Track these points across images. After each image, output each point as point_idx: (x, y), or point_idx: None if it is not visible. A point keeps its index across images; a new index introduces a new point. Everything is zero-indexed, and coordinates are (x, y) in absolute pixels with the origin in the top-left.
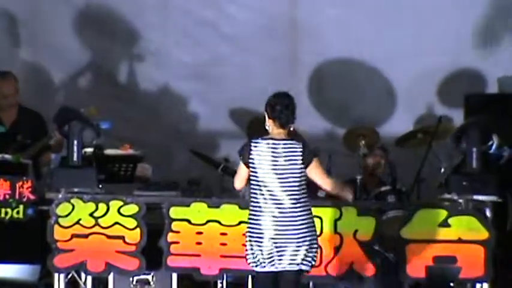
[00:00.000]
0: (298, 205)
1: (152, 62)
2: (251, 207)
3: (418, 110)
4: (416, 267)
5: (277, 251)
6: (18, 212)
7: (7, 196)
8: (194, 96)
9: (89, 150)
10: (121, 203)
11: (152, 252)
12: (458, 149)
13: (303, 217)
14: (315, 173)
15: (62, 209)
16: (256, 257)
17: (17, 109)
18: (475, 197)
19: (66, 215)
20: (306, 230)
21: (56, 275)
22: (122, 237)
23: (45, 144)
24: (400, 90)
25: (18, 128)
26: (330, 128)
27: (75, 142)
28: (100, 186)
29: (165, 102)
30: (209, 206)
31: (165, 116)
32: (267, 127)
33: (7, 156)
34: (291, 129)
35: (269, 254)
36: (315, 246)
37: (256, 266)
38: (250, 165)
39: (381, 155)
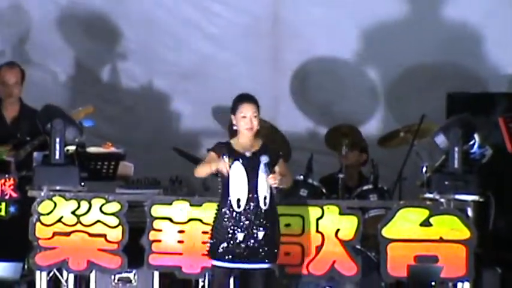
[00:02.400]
0: None
1: (135, 61)
2: None
3: (401, 109)
4: (398, 266)
5: None
6: (0, 210)
7: None
8: (177, 94)
9: (71, 148)
10: (103, 201)
11: (134, 250)
12: (439, 148)
13: None
14: None
15: (44, 206)
16: None
17: (19, 105)
18: (457, 196)
19: (48, 213)
20: None
21: (38, 272)
22: (104, 235)
23: (42, 142)
24: (383, 89)
25: (18, 125)
26: (312, 127)
27: (57, 140)
28: (82, 184)
29: (148, 100)
30: (191, 205)
31: (148, 114)
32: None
33: None
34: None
35: None
36: None
37: None
38: None
39: (356, 155)
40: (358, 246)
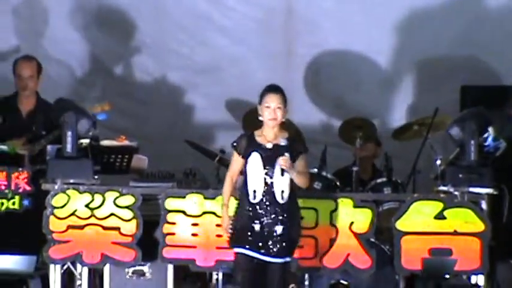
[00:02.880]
0: None
1: (149, 54)
2: None
3: (415, 102)
4: (412, 259)
5: None
6: (14, 203)
7: (3, 187)
8: (190, 88)
9: (85, 141)
10: (117, 194)
11: (148, 243)
12: (454, 141)
13: None
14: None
15: (58, 200)
16: None
17: (35, 99)
18: (471, 189)
19: (62, 206)
20: None
21: (52, 266)
22: (118, 229)
23: (56, 136)
24: (397, 82)
25: (34, 118)
26: (326, 119)
27: (69, 133)
28: (96, 177)
29: (161, 94)
30: (205, 198)
31: (161, 107)
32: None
33: (3, 147)
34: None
35: None
36: None
37: None
38: None
39: (372, 147)
40: (372, 239)
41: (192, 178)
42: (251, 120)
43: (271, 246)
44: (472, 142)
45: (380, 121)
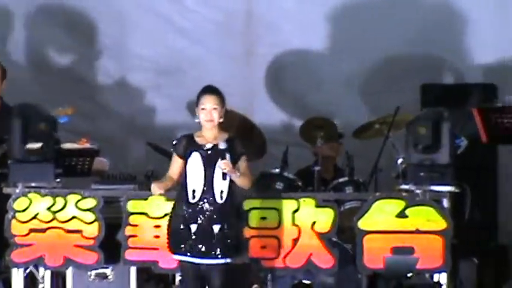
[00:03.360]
0: None
1: (109, 56)
2: None
3: (376, 100)
4: (374, 258)
5: None
6: None
7: None
8: (151, 89)
9: (35, 145)
10: (79, 197)
11: (110, 246)
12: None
13: None
14: None
15: (19, 203)
16: None
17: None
18: (433, 187)
19: (24, 210)
20: None
21: (14, 269)
22: (80, 231)
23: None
24: (358, 81)
25: None
26: (287, 119)
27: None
28: (57, 180)
29: (122, 95)
30: (167, 199)
31: (122, 109)
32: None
33: None
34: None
35: None
36: None
37: None
38: None
39: (334, 146)
40: (335, 239)
41: (153, 180)
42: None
43: (210, 248)
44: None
45: (341, 120)
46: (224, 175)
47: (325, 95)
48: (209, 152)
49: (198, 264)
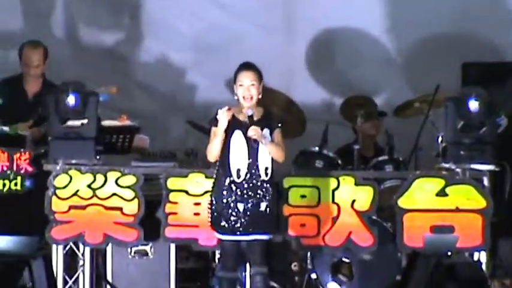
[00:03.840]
0: None
1: (150, 34)
2: None
3: (417, 79)
4: (414, 236)
5: None
6: (16, 184)
7: (5, 168)
8: (191, 66)
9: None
10: (119, 174)
11: (150, 223)
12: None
13: None
14: None
15: (60, 180)
16: None
17: (41, 81)
18: (473, 166)
19: (64, 187)
20: None
21: (54, 246)
22: (120, 209)
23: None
24: (399, 59)
25: (40, 100)
26: (327, 97)
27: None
28: (98, 157)
29: (162, 73)
30: (206, 177)
31: (162, 86)
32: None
33: (5, 128)
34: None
35: None
36: None
37: None
38: None
39: (377, 122)
40: (374, 217)
41: (193, 158)
42: None
43: (256, 224)
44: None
45: (381, 99)
46: (255, 141)
47: (365, 73)
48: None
49: (240, 241)
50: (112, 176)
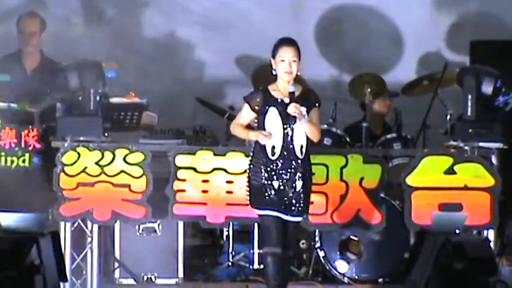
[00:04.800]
0: None
1: (157, 10)
2: None
3: (425, 57)
4: (422, 214)
5: None
6: (24, 161)
7: (13, 144)
8: (199, 43)
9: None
10: (127, 152)
11: (158, 200)
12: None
13: None
14: None
15: (68, 157)
16: None
17: (39, 56)
18: (481, 144)
19: (72, 164)
20: None
21: (62, 223)
22: (128, 186)
23: (63, 96)
24: (407, 37)
25: (39, 76)
26: (335, 75)
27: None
28: (106, 134)
29: (171, 50)
30: (215, 154)
31: (171, 64)
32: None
33: (13, 105)
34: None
35: None
36: None
37: None
38: None
39: (387, 101)
40: (382, 195)
41: (201, 135)
42: (260, 75)
43: (292, 204)
44: (471, 97)
45: (390, 76)
46: (294, 119)
47: (374, 51)
48: (286, 106)
49: (279, 217)
50: (120, 153)
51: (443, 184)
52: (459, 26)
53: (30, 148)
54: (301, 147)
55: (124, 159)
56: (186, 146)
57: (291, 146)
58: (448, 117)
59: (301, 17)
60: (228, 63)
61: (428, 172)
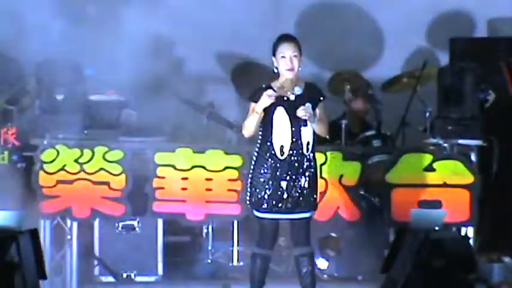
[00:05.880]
0: None
1: (138, 7)
2: None
3: (405, 54)
4: (402, 211)
5: None
6: (3, 159)
7: None
8: (180, 41)
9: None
10: (106, 149)
11: (137, 197)
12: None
13: None
14: None
15: (47, 155)
16: None
17: None
18: (460, 141)
19: (51, 161)
20: None
21: (42, 221)
22: (107, 183)
23: (20, 90)
24: (388, 33)
25: None
26: (315, 72)
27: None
28: (85, 132)
29: (150, 47)
30: (194, 152)
31: (150, 61)
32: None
33: None
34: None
35: None
36: None
37: None
38: None
39: (367, 99)
40: (362, 192)
41: (181, 132)
42: (240, 73)
43: (298, 202)
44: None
45: (370, 73)
46: (305, 122)
47: (354, 48)
48: (293, 103)
49: (281, 219)
50: (99, 150)
51: (423, 181)
52: (439, 22)
53: (9, 146)
54: (308, 143)
55: (103, 156)
56: (165, 143)
57: (299, 144)
58: (428, 114)
59: (280, 14)
60: (207, 60)
61: (408, 169)
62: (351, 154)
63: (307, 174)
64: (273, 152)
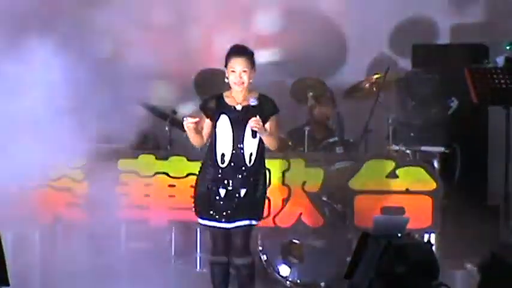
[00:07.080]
0: None
1: (99, 11)
2: None
3: (368, 61)
4: (365, 218)
5: None
6: None
7: None
8: (143, 46)
9: None
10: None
11: (101, 204)
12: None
13: None
14: None
15: None
16: None
17: None
18: (423, 148)
19: None
20: None
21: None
22: (70, 189)
23: None
24: (351, 41)
25: None
26: (278, 79)
27: None
28: None
29: (113, 54)
30: (157, 158)
31: (113, 68)
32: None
33: None
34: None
35: None
36: None
37: None
38: None
39: (329, 106)
40: (325, 198)
41: (144, 139)
42: (202, 81)
43: (236, 211)
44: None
45: (333, 80)
46: (254, 133)
47: (318, 55)
48: (239, 113)
49: (217, 228)
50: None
51: (386, 188)
52: (401, 29)
53: None
54: (251, 154)
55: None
56: (129, 150)
57: (241, 154)
58: (390, 121)
59: (246, 21)
60: (170, 66)
61: (371, 176)
62: (313, 161)
63: (247, 184)
64: (215, 160)
